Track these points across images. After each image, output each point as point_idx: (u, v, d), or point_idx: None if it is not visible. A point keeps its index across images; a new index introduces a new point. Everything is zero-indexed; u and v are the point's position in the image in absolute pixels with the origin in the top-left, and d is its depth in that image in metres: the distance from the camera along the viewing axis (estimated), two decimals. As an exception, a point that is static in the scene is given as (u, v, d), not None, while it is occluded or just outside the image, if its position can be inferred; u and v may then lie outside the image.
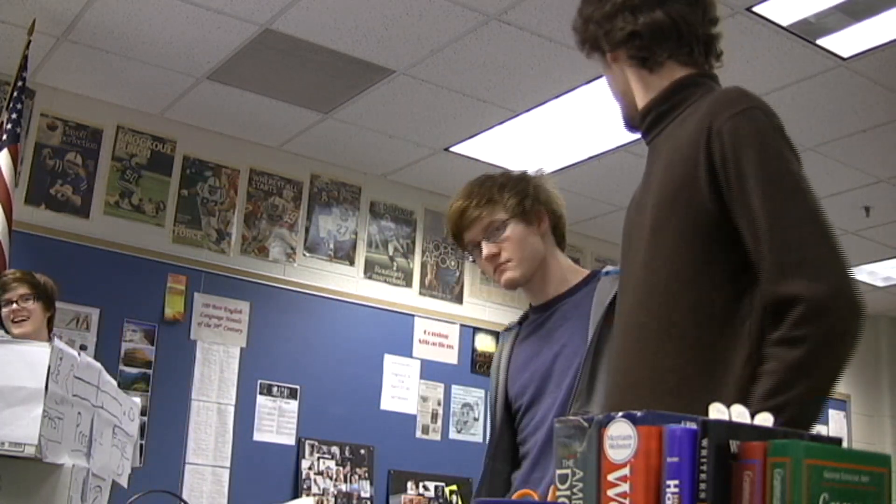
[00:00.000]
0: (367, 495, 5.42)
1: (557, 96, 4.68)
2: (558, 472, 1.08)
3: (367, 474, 5.46)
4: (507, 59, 4.39)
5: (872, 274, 6.84)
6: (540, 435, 2.13)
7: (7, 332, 3.58)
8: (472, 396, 5.98)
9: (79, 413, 2.42)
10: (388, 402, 5.68)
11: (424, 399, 5.82)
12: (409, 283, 5.94)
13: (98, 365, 2.61)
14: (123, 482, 2.79)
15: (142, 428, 4.22)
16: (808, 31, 4.03)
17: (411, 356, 5.82)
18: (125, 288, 4.96)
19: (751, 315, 1.51)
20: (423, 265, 6.02)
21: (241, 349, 5.26)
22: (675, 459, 1.00)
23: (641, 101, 1.73)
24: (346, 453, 5.44)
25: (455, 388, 5.94)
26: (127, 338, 4.93)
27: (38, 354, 2.28)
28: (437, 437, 5.82)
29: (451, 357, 5.97)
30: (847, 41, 4.09)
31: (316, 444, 5.36)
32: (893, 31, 3.99)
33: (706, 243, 1.54)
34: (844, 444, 1.16)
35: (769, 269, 1.45)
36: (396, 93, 4.79)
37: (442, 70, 4.53)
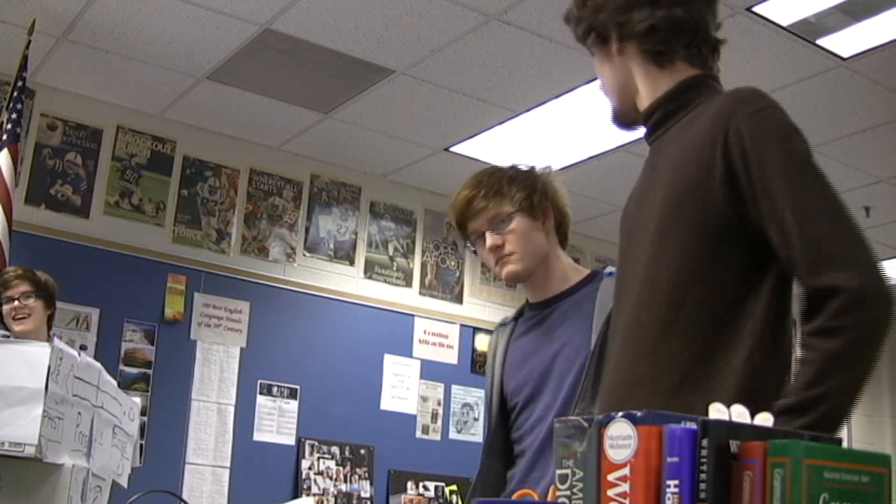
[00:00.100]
0: (367, 495, 5.42)
1: (557, 96, 4.68)
2: (558, 472, 1.08)
3: (367, 474, 5.46)
4: (507, 59, 4.39)
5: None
6: (538, 433, 2.12)
7: (7, 328, 3.57)
8: (472, 396, 5.97)
9: (79, 413, 2.42)
10: (388, 402, 5.68)
11: (424, 399, 5.82)
12: (409, 283, 5.94)
13: (98, 365, 2.61)
14: (123, 482, 2.79)
15: (142, 428, 4.21)
16: (808, 31, 4.03)
17: (411, 356, 5.82)
18: (125, 288, 4.96)
19: (755, 315, 1.50)
20: (423, 265, 6.02)
21: (241, 349, 5.26)
22: (675, 459, 1.00)
23: (647, 97, 1.71)
24: (346, 453, 5.44)
25: (455, 388, 5.94)
26: (127, 338, 4.93)
27: (38, 354, 2.28)
28: (437, 437, 5.82)
29: (451, 357, 5.97)
30: (847, 41, 4.09)
31: (316, 444, 5.36)
32: (893, 31, 3.99)
33: (713, 244, 1.53)
34: (844, 444, 1.16)
35: (803, 263, 1.45)
36: (396, 93, 4.79)
37: (442, 70, 4.53)
